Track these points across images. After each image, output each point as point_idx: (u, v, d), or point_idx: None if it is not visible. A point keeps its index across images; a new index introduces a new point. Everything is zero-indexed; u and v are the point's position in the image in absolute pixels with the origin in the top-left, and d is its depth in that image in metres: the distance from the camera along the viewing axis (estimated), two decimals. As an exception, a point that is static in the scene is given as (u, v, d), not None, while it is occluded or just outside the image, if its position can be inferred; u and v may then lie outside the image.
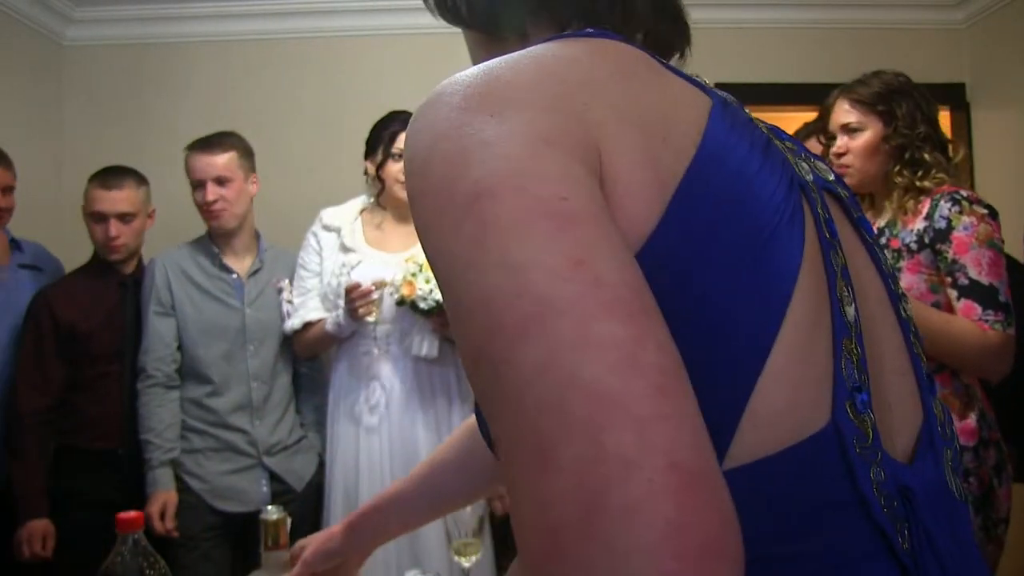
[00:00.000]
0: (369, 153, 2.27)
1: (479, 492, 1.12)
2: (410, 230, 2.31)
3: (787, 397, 0.50)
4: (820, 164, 0.64)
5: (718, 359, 0.49)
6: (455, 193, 0.46)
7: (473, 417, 0.76)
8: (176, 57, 3.10)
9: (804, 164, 0.60)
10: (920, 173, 1.77)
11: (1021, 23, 3.03)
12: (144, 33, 3.08)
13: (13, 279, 2.26)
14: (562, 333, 0.41)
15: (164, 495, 2.10)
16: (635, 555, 0.35)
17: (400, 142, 2.21)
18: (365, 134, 2.30)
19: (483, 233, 0.44)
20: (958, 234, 1.67)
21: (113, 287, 2.26)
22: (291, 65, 3.12)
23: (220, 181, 2.20)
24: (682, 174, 0.50)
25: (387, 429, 2.14)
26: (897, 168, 1.79)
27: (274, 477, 2.23)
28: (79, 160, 2.54)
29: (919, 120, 1.79)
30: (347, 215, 2.28)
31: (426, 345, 2.14)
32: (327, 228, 2.26)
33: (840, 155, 1.86)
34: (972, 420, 1.71)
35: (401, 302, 2.08)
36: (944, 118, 3.06)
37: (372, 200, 2.30)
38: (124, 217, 2.22)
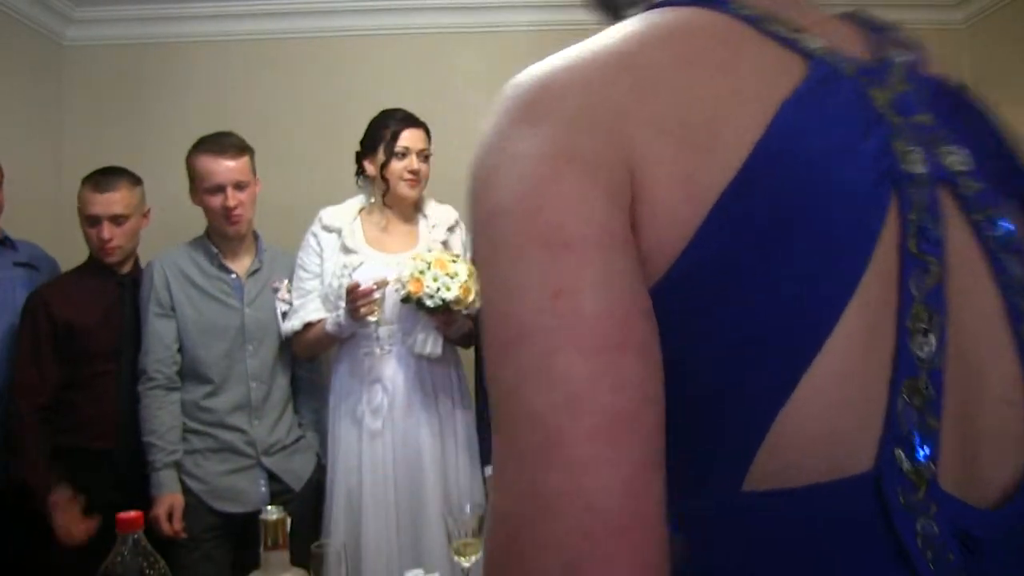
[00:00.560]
0: (368, 153, 2.25)
1: None
2: (409, 230, 2.30)
3: (819, 429, 0.46)
4: (952, 150, 0.53)
5: (747, 375, 0.47)
6: (480, 209, 0.49)
7: None
8: (176, 57, 3.10)
9: (918, 152, 0.50)
10: None
11: (1021, 23, 3.03)
12: (144, 33, 3.08)
13: (8, 278, 2.26)
14: (528, 361, 0.43)
15: (170, 497, 2.10)
16: None
17: (403, 140, 2.19)
18: (364, 134, 2.29)
19: (492, 252, 0.47)
20: None
21: (111, 286, 2.26)
22: (291, 65, 3.12)
23: (239, 187, 2.20)
24: (724, 186, 0.46)
25: (390, 431, 2.14)
26: None
27: (272, 477, 2.23)
28: (79, 160, 2.54)
29: None
30: (346, 215, 2.26)
31: (430, 343, 2.13)
32: (327, 229, 2.24)
33: None
34: None
35: (407, 299, 2.07)
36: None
37: (373, 200, 2.29)
38: (117, 219, 2.21)
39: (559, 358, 0.43)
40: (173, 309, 2.20)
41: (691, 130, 0.47)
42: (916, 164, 0.50)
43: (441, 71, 3.12)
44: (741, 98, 0.48)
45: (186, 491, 2.14)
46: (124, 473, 2.18)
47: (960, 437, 0.48)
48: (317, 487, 2.31)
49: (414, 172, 2.20)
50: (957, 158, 0.53)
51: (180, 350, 2.20)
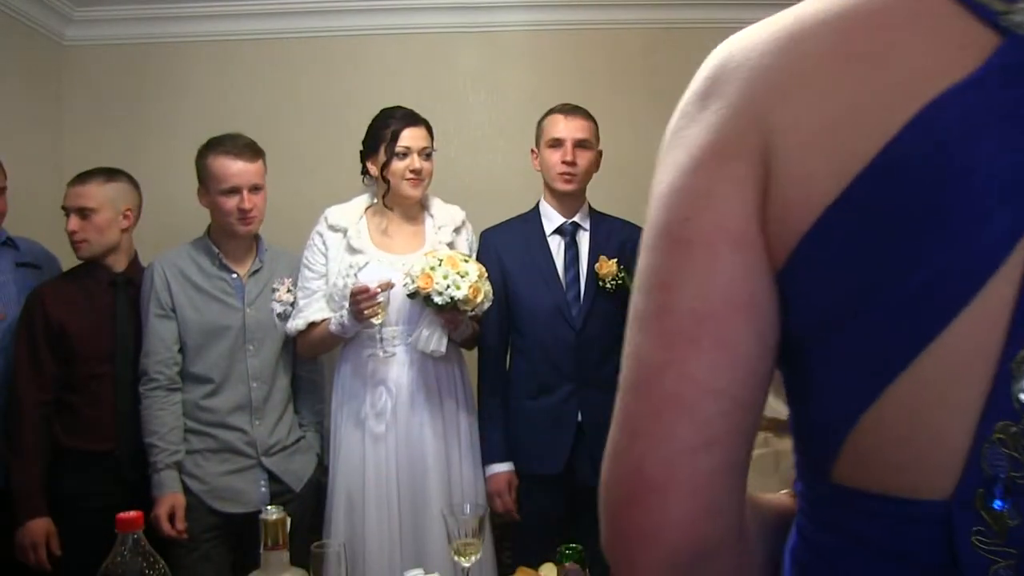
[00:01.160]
0: (370, 153, 2.24)
1: None
2: (415, 230, 2.29)
3: (898, 437, 0.48)
4: None
5: (842, 373, 0.50)
6: (653, 182, 0.55)
7: None
8: (176, 57, 3.10)
9: None
10: None
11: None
12: (144, 33, 3.08)
13: (11, 279, 2.26)
14: (632, 338, 0.53)
15: (172, 497, 2.09)
16: (603, 523, 0.54)
17: (403, 139, 2.19)
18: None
19: (645, 230, 0.55)
20: None
21: (104, 287, 2.25)
22: (291, 65, 3.12)
23: (255, 189, 2.20)
24: (841, 190, 0.47)
25: (393, 432, 2.14)
26: None
27: (273, 477, 2.22)
28: (79, 160, 2.53)
29: None
30: (352, 214, 2.25)
31: (434, 340, 2.13)
32: (333, 228, 2.23)
33: None
34: None
35: (415, 294, 2.07)
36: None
37: (376, 200, 2.28)
38: (83, 212, 2.18)
39: (645, 344, 0.52)
40: (174, 310, 2.19)
41: (829, 127, 0.48)
42: None
43: (441, 71, 3.12)
44: (893, 93, 0.47)
45: (186, 491, 2.14)
46: (123, 474, 2.18)
47: None
48: (317, 487, 2.31)
49: (416, 171, 2.18)
50: None
51: (181, 350, 2.20)
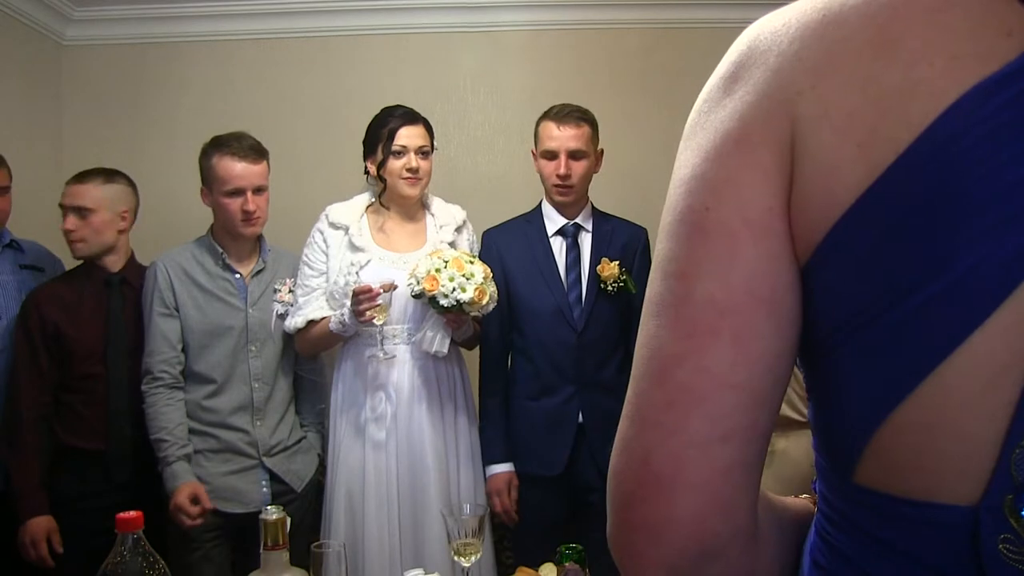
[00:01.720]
0: (368, 151, 2.24)
1: None
2: (416, 228, 2.28)
3: (921, 444, 0.46)
4: None
5: (868, 373, 0.49)
6: (675, 165, 0.54)
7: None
8: (176, 57, 3.10)
9: None
10: None
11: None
12: (144, 33, 3.08)
13: (14, 281, 2.26)
14: (645, 324, 0.53)
15: (190, 485, 2.08)
16: (609, 515, 0.53)
17: (400, 138, 2.18)
18: (365, 133, 2.28)
19: (665, 214, 0.53)
20: None
21: (99, 287, 2.25)
22: (291, 65, 3.12)
23: (259, 190, 2.20)
24: (866, 186, 0.46)
25: (394, 433, 2.13)
26: None
27: (274, 478, 2.22)
28: (79, 160, 2.53)
29: None
30: (354, 213, 2.24)
31: (437, 341, 2.13)
32: (334, 226, 2.22)
33: None
34: None
35: (419, 295, 2.06)
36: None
37: (374, 200, 2.28)
38: (81, 212, 2.18)
39: (661, 332, 0.51)
40: (177, 309, 2.19)
41: (860, 116, 0.46)
42: None
43: (441, 71, 3.11)
44: (928, 81, 0.45)
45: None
46: (118, 474, 2.18)
47: None
48: (318, 487, 2.31)
49: (412, 170, 2.18)
50: None
51: (183, 350, 2.20)
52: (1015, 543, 0.44)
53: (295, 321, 2.20)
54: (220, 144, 2.19)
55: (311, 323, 2.19)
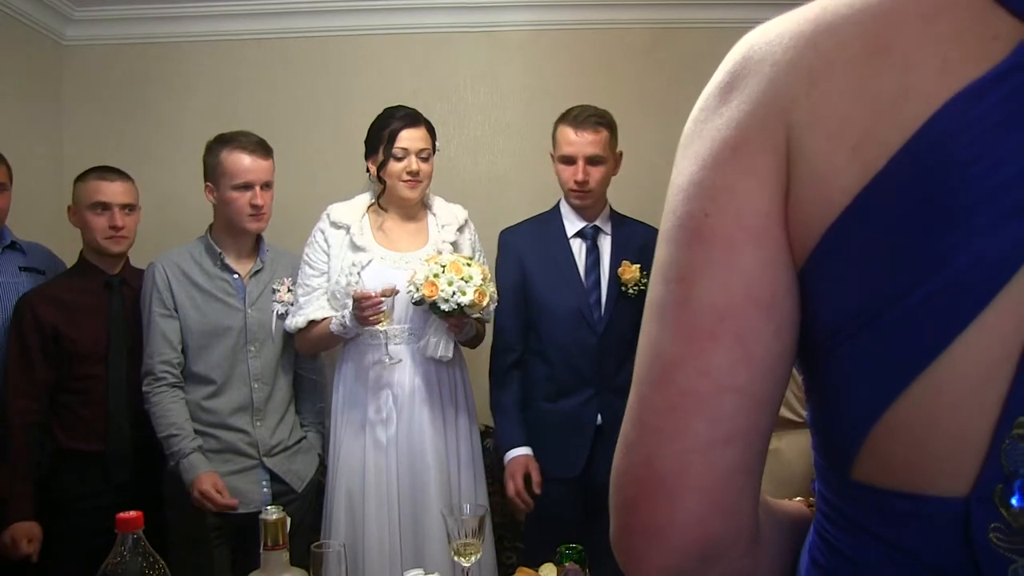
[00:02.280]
0: (369, 152, 2.23)
1: None
2: (417, 228, 2.28)
3: (917, 437, 0.48)
4: None
5: (863, 372, 0.50)
6: (673, 172, 0.55)
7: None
8: (176, 57, 3.10)
9: None
10: None
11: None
12: (144, 33, 3.08)
13: (15, 282, 2.26)
14: (646, 328, 0.54)
15: (210, 476, 2.07)
16: (612, 518, 0.55)
17: (401, 141, 2.18)
18: (367, 133, 2.28)
19: (664, 220, 0.54)
20: None
21: (99, 288, 2.25)
22: (291, 64, 3.12)
23: (267, 186, 2.21)
24: (860, 189, 0.47)
25: (395, 434, 2.13)
26: None
27: (274, 478, 2.22)
28: (79, 160, 2.53)
29: None
30: (355, 212, 2.23)
31: (442, 346, 2.13)
32: (335, 225, 2.21)
33: None
34: None
35: (420, 302, 2.06)
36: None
37: (374, 200, 2.27)
38: (126, 208, 2.24)
39: (662, 336, 0.52)
40: (176, 310, 2.19)
41: (852, 122, 0.47)
42: None
43: (441, 71, 3.12)
44: (918, 87, 0.46)
45: (187, 491, 2.14)
46: (117, 474, 2.18)
47: None
48: (319, 487, 2.31)
49: (413, 173, 2.17)
50: None
51: (183, 351, 2.20)
52: (1005, 532, 0.45)
53: (296, 321, 2.20)
54: (228, 140, 2.20)
55: (312, 323, 2.19)
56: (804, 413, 2.14)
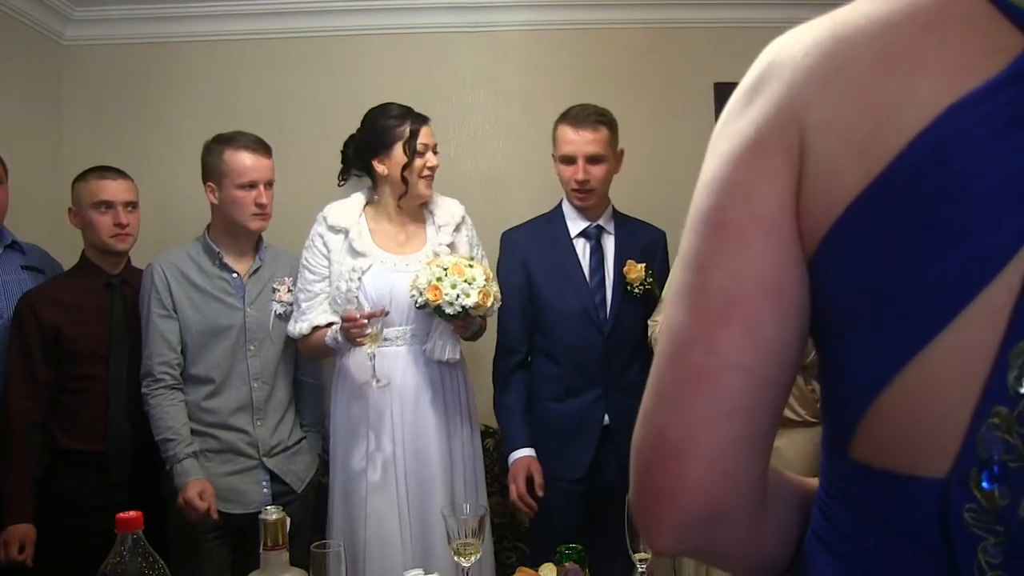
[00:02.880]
0: (379, 152, 2.17)
1: None
2: (418, 228, 2.25)
3: (907, 420, 0.52)
4: None
5: (862, 356, 0.54)
6: (702, 168, 0.59)
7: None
8: (176, 57, 3.10)
9: None
10: None
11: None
12: (144, 33, 3.08)
13: (16, 280, 2.26)
14: (668, 310, 0.59)
15: (200, 482, 2.07)
16: (631, 480, 0.59)
17: (422, 137, 2.14)
18: (366, 133, 2.27)
19: (691, 212, 0.59)
20: None
21: (100, 288, 2.25)
22: (291, 65, 3.11)
23: (269, 185, 2.21)
24: (862, 189, 0.51)
25: (396, 435, 2.12)
26: None
27: (274, 478, 2.22)
28: (79, 160, 2.53)
29: None
30: (351, 214, 2.20)
31: (448, 349, 2.12)
32: (333, 229, 2.18)
33: None
34: None
35: (424, 306, 2.05)
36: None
37: (378, 199, 2.24)
38: (130, 206, 2.25)
39: (680, 317, 0.57)
40: (175, 310, 2.18)
41: (858, 127, 0.51)
42: None
43: (441, 71, 3.11)
44: (921, 96, 0.49)
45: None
46: (117, 474, 2.18)
47: None
48: (318, 488, 2.31)
49: (432, 168, 2.17)
50: None
51: (182, 351, 2.19)
52: (977, 512, 0.49)
53: (300, 327, 2.18)
54: (229, 139, 2.20)
55: (315, 329, 2.17)
56: (804, 413, 2.16)
